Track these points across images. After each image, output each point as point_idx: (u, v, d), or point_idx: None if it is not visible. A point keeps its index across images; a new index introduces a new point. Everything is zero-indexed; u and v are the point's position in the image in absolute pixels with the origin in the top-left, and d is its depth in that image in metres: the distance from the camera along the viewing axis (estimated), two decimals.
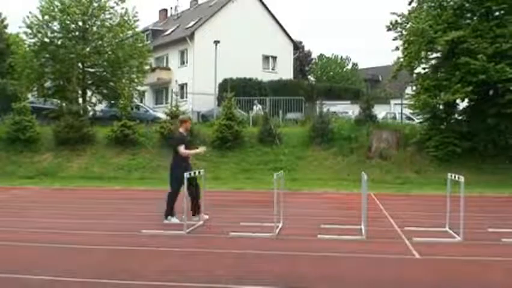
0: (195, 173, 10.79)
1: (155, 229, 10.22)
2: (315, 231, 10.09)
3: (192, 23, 46.08)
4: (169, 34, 49.18)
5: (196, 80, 41.38)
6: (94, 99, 33.03)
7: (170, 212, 11.15)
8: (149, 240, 9.34)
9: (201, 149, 11.97)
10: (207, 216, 11.35)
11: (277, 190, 9.89)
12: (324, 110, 27.97)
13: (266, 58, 47.55)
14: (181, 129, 11.55)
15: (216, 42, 36.57)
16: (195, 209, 11.22)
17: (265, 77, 42.68)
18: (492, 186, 19.72)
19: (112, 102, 31.96)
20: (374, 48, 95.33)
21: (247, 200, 16.34)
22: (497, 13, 24.14)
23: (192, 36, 43.84)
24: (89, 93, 32.69)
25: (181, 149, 11.06)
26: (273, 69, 47.57)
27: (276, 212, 9.87)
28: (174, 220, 11.01)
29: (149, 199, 16.57)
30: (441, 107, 24.34)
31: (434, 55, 25.65)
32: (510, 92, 22.25)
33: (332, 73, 62.36)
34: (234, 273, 7.03)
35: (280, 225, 10.33)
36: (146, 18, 66.86)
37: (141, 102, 39.44)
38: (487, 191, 18.49)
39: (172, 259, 7.97)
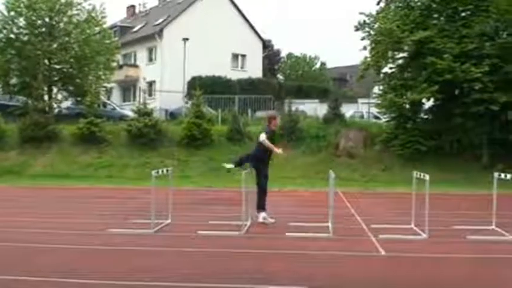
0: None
1: (122, 228, 10.15)
2: (283, 229, 10.14)
3: (160, 20, 45.71)
4: (137, 31, 48.71)
5: (164, 77, 41.10)
6: (60, 96, 32.48)
7: (263, 208, 11.00)
8: (116, 239, 9.27)
9: (280, 151, 11.28)
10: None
11: (246, 188, 9.92)
12: (293, 108, 28.13)
13: (235, 56, 47.47)
14: (270, 126, 11.40)
15: (185, 39, 36.39)
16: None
17: (235, 75, 42.60)
18: (457, 184, 20.08)
19: (79, 99, 31.51)
20: (342, 48, 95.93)
21: (215, 198, 16.33)
22: (463, 14, 24.59)
23: (160, 33, 43.50)
24: (55, 90, 32.13)
25: (263, 136, 10.86)
26: (242, 67, 47.51)
27: (245, 210, 9.90)
28: (264, 217, 10.92)
29: (116, 198, 16.44)
30: (407, 106, 24.65)
31: (401, 55, 25.99)
32: (475, 91, 22.64)
33: (300, 72, 62.61)
34: (202, 272, 7.02)
35: (248, 223, 10.36)
36: (114, 15, 65.95)
37: (108, 99, 38.91)
38: (452, 189, 18.79)
39: (140, 258, 7.92)
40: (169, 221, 10.78)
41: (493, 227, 10.27)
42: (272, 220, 10.87)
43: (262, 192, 10.95)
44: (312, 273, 7.06)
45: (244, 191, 9.77)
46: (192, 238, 9.46)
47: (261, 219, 10.82)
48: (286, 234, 9.71)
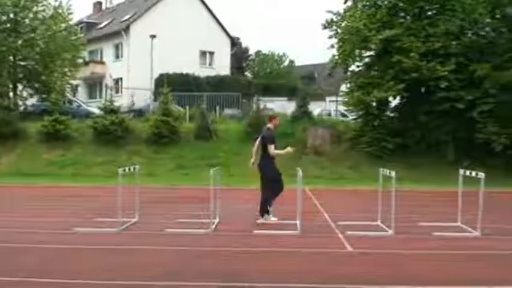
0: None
1: (88, 227, 10.00)
2: (251, 226, 10.14)
3: (127, 16, 45.28)
4: (104, 27, 48.15)
5: (131, 74, 40.72)
6: (25, 94, 31.98)
7: (267, 210, 10.92)
8: (83, 238, 9.14)
9: (290, 149, 11.38)
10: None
11: (214, 186, 9.87)
12: (261, 106, 28.16)
13: (203, 53, 47.30)
14: (269, 125, 11.28)
15: (152, 36, 36.11)
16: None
17: (203, 72, 42.45)
18: (423, 182, 20.35)
19: (44, 96, 31.03)
20: (311, 46, 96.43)
21: (183, 196, 16.23)
22: (429, 13, 24.97)
23: (127, 29, 43.08)
24: (20, 87, 31.64)
25: (272, 149, 10.78)
26: (210, 64, 47.38)
27: (213, 208, 9.86)
28: (272, 218, 10.86)
29: (82, 196, 16.23)
30: (374, 104, 24.92)
31: (368, 53, 26.25)
32: (441, 90, 22.99)
33: (269, 70, 62.73)
34: (170, 270, 6.97)
35: (216, 221, 10.33)
36: (80, 11, 65.11)
37: (74, 96, 38.44)
38: (418, 186, 19.04)
39: (107, 257, 7.82)
40: (136, 219, 10.66)
41: (459, 223, 10.42)
42: (275, 219, 10.89)
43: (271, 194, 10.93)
44: (278, 270, 7.06)
45: (213, 188, 9.72)
46: (159, 236, 9.38)
47: (268, 220, 10.80)
48: (254, 232, 9.71)
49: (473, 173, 9.65)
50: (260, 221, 10.76)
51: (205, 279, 6.53)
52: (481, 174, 9.34)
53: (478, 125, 23.55)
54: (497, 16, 24.67)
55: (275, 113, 13.01)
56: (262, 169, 11.02)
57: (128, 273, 6.79)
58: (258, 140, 11.23)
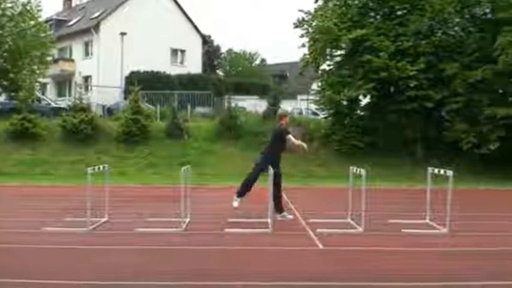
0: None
1: (57, 227, 9.88)
2: (222, 225, 10.13)
3: (97, 13, 44.81)
4: (73, 24, 47.58)
5: (101, 72, 40.34)
6: None
7: (280, 208, 10.97)
8: (51, 237, 9.03)
9: (305, 146, 11.40)
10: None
11: (185, 185, 9.84)
12: (233, 104, 28.15)
13: (174, 51, 47.09)
14: (282, 122, 11.40)
15: (123, 34, 35.83)
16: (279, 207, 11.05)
17: (174, 70, 42.28)
18: (392, 179, 20.58)
19: (12, 94, 30.52)
20: (282, 45, 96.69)
21: (154, 195, 16.10)
22: (399, 12, 25.23)
23: (97, 27, 42.64)
24: None
25: (292, 138, 11.00)
26: (181, 62, 47.19)
27: (183, 207, 9.83)
28: (288, 216, 10.95)
29: (51, 195, 16.02)
30: (344, 103, 25.08)
31: (339, 52, 26.43)
32: (410, 89, 23.26)
33: (240, 68, 62.70)
34: (140, 270, 6.93)
35: (187, 220, 10.28)
36: (50, 8, 64.20)
37: (43, 94, 37.90)
38: (387, 183, 19.26)
39: (75, 257, 7.74)
40: (105, 218, 10.55)
41: (427, 220, 10.57)
42: (291, 216, 11.05)
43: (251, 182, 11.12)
44: (250, 268, 7.08)
45: (184, 187, 9.68)
46: (129, 236, 9.31)
47: (279, 218, 10.84)
48: (226, 230, 9.70)
49: (442, 171, 9.80)
50: (279, 217, 10.85)
51: (175, 279, 6.50)
52: (449, 172, 9.49)
53: (447, 123, 23.94)
54: (466, 16, 25.09)
55: (285, 112, 13.06)
56: (268, 163, 11.03)
57: (97, 273, 6.73)
58: (273, 136, 11.50)
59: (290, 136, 11.05)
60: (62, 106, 31.18)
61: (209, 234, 9.58)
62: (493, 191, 18.78)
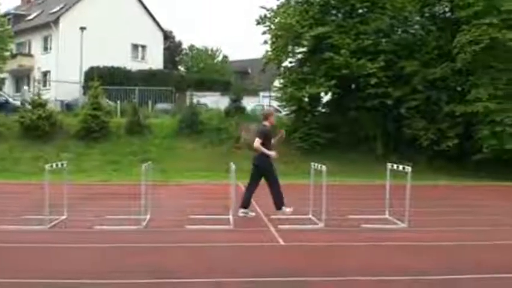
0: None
1: (14, 224, 9.66)
2: (183, 222, 10.06)
3: (57, 8, 44.01)
4: (32, 19, 46.65)
5: (60, 67, 39.64)
6: None
7: (282, 202, 10.86)
8: (9, 236, 8.81)
9: (274, 154, 11.02)
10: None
11: (146, 182, 9.74)
12: (195, 101, 28.03)
13: (135, 47, 46.61)
14: (265, 123, 11.12)
15: (82, 28, 35.18)
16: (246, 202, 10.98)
17: (135, 66, 41.86)
18: (352, 175, 20.79)
19: None
20: (245, 41, 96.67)
21: (114, 192, 15.90)
22: (360, 11, 25.49)
23: (56, 21, 41.89)
24: None
25: (256, 142, 10.71)
26: (142, 58, 46.76)
27: (144, 204, 9.72)
28: (288, 210, 10.81)
29: (9, 193, 15.65)
30: (306, 99, 25.21)
31: (301, 50, 26.53)
32: (371, 86, 23.52)
33: (202, 65, 62.37)
34: (99, 268, 6.84)
35: (148, 217, 10.18)
36: (8, 2, 62.71)
37: (0, 90, 37.05)
38: (348, 179, 19.46)
39: (33, 255, 7.57)
40: (64, 216, 10.37)
41: (386, 215, 10.71)
42: (290, 209, 10.89)
43: (276, 186, 10.97)
44: (212, 265, 7.05)
45: (144, 184, 9.58)
46: (88, 234, 9.17)
47: (286, 213, 10.78)
48: (187, 227, 9.64)
49: (401, 167, 9.94)
50: (281, 213, 10.80)
51: (135, 276, 6.42)
52: (408, 168, 9.63)
53: (406, 120, 24.30)
54: (426, 14, 25.53)
55: (269, 111, 12.55)
56: (258, 164, 11.06)
57: (56, 272, 6.59)
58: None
59: (257, 140, 10.79)
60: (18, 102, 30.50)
61: (170, 231, 9.50)
62: (451, 187, 19.15)
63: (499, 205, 14.28)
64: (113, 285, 6.17)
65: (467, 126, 23.01)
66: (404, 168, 9.76)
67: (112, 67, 38.55)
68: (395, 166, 10.32)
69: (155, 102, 32.01)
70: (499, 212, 12.61)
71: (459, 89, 24.16)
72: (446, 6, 25.16)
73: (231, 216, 9.94)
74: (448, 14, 25.28)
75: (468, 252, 8.17)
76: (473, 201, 15.13)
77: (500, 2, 21.95)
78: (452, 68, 22.88)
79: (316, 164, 10.56)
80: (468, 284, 6.45)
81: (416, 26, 25.83)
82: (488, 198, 16.05)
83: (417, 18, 25.52)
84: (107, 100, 28.87)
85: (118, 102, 29.17)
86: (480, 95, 21.85)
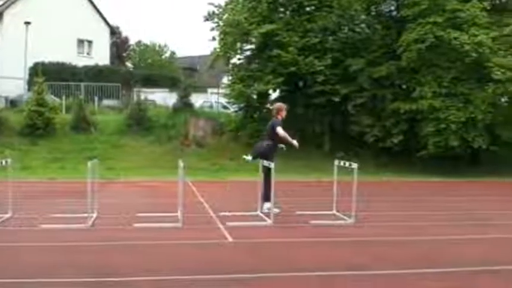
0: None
1: None
2: (131, 220, 9.96)
3: (1, 2, 42.73)
4: None
5: (3, 63, 38.44)
6: None
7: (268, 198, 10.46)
8: None
9: (296, 142, 11.18)
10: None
11: (92, 179, 9.60)
12: (142, 97, 27.75)
13: (81, 42, 45.66)
14: (277, 117, 11.30)
15: (27, 23, 34.27)
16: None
17: (80, 61, 40.98)
18: (300, 172, 20.95)
19: None
20: (193, 37, 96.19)
21: (59, 190, 15.59)
22: (308, 8, 25.68)
23: (0, 16, 40.67)
24: None
25: (280, 129, 10.89)
26: (88, 53, 45.85)
27: (90, 202, 9.58)
28: (269, 208, 10.40)
29: None
30: (255, 96, 25.28)
31: (249, 47, 26.55)
32: (318, 83, 23.75)
33: (150, 60, 61.74)
34: (44, 267, 6.71)
35: (94, 215, 10.04)
36: None
37: None
38: (295, 176, 19.61)
39: None
40: (9, 214, 10.13)
41: (334, 211, 10.88)
42: (277, 210, 10.60)
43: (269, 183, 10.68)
44: (159, 263, 7.02)
45: (90, 181, 9.44)
46: (33, 232, 8.98)
47: (265, 210, 10.62)
48: (134, 225, 9.56)
49: (347, 164, 10.12)
50: (265, 207, 10.72)
51: (79, 275, 6.33)
52: (354, 165, 9.82)
53: (352, 117, 24.69)
54: (372, 13, 25.95)
55: (280, 106, 12.16)
56: (263, 152, 11.07)
57: None
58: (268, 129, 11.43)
59: (280, 128, 11.00)
60: None
61: (117, 229, 9.40)
62: (396, 183, 19.61)
63: (443, 200, 14.72)
64: (55, 284, 6.07)
65: (412, 123, 23.51)
66: (350, 164, 9.95)
67: (58, 62, 37.68)
68: (342, 163, 10.50)
69: (101, 98, 31.51)
70: (443, 208, 12.98)
71: (404, 86, 24.64)
72: (392, 5, 25.64)
73: (179, 214, 9.90)
74: (394, 13, 25.75)
75: (414, 246, 8.40)
76: (418, 197, 15.53)
77: (445, 1, 22.45)
78: (397, 66, 23.32)
79: (264, 161, 10.63)
80: (410, 277, 6.63)
81: (363, 25, 26.21)
82: (433, 194, 16.47)
83: (364, 16, 25.88)
84: (53, 96, 28.26)
85: (64, 98, 28.58)
86: (424, 93, 22.32)
